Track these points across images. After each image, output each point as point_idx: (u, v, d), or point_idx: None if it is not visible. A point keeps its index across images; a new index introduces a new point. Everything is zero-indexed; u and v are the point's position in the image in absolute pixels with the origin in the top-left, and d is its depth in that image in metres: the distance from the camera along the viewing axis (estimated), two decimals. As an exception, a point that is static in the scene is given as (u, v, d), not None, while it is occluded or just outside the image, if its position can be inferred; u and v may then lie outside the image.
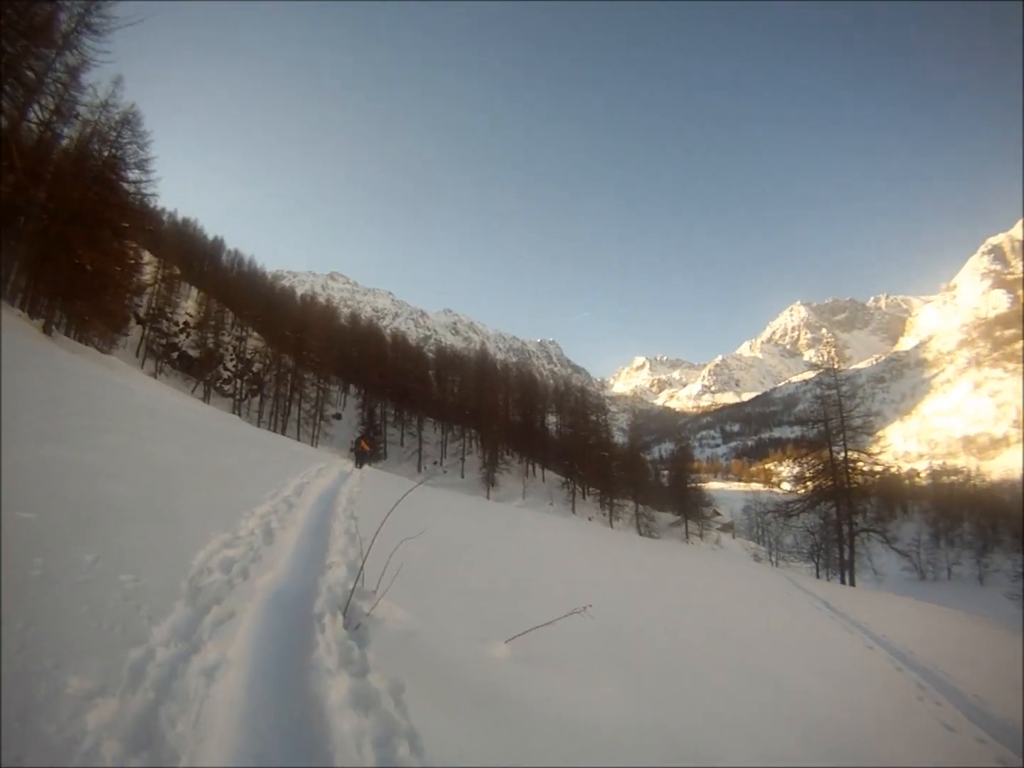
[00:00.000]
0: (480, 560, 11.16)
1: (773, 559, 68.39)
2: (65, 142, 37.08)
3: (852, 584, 39.87)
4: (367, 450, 28.64)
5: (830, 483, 43.35)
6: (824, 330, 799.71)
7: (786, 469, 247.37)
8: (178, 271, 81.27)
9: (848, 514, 42.05)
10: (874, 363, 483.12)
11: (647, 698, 6.30)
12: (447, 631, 6.08)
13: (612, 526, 66.67)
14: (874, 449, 46.97)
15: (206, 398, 69.87)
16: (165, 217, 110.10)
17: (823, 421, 44.36)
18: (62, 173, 34.71)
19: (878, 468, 45.13)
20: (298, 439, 68.58)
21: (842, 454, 42.86)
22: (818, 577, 44.74)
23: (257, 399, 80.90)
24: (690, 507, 76.86)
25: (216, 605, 4.96)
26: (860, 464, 43.06)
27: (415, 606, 6.22)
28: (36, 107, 32.13)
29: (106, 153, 36.54)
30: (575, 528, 26.61)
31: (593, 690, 5.92)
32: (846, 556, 41.51)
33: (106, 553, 5.32)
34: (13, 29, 28.63)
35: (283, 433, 70.63)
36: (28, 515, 5.62)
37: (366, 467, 27.31)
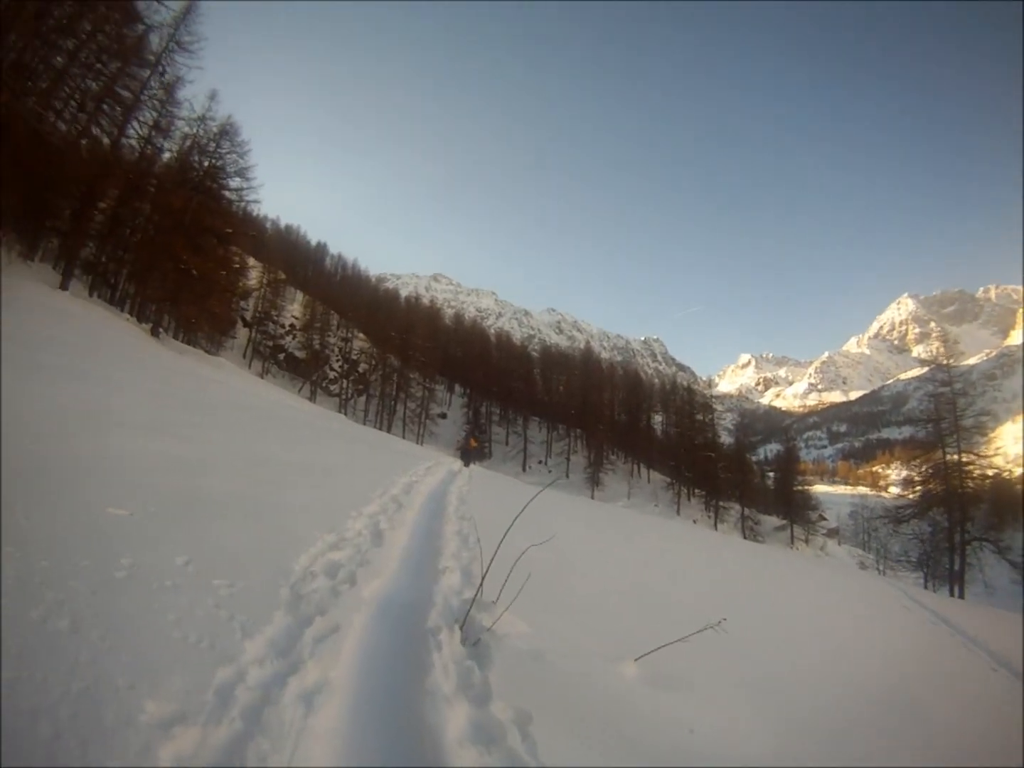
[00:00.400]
0: (600, 568, 10.41)
1: (880, 568, 65.43)
2: (167, 155, 38.86)
3: (961, 596, 37.78)
4: (474, 448, 28.22)
5: (942, 487, 41.21)
6: (933, 324, 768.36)
7: (894, 472, 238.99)
8: (283, 275, 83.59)
9: (960, 521, 39.77)
10: (985, 358, 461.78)
11: (792, 732, 5.51)
12: (574, 648, 5.36)
13: (717, 528, 65.73)
14: (988, 451, 44.09)
15: (312, 398, 71.27)
16: (268, 224, 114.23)
17: (935, 420, 42.29)
18: (164, 185, 36.26)
19: (991, 472, 42.53)
20: (403, 438, 69.15)
21: (955, 456, 40.70)
22: (926, 587, 42.26)
23: (363, 398, 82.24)
24: (796, 511, 74.53)
25: (319, 616, 4.37)
26: (973, 468, 40.72)
27: (537, 619, 5.53)
28: (135, 124, 33.92)
29: (207, 163, 37.75)
30: (686, 533, 25.64)
31: (734, 720, 5.22)
32: (956, 566, 39.42)
33: (200, 554, 4.81)
34: (107, 52, 30.15)
35: (388, 432, 71.44)
36: (120, 511, 5.17)
37: (473, 465, 26.93)
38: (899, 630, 14.33)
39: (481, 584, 5.12)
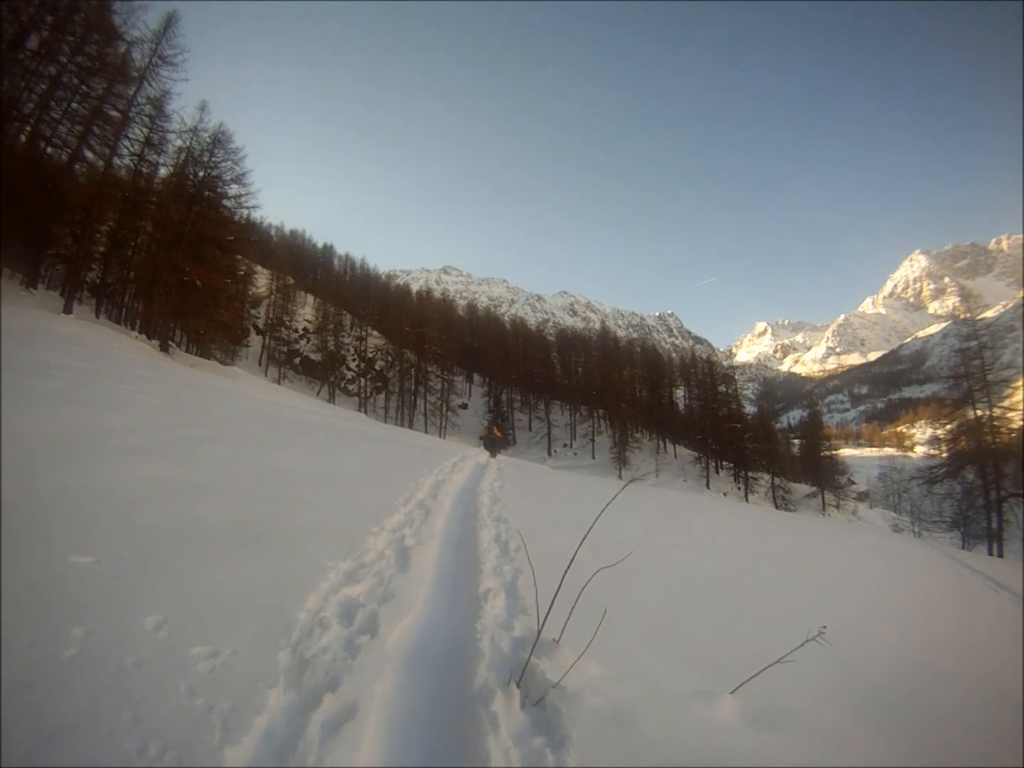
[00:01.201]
0: (657, 566, 9.14)
1: (916, 530, 64.15)
2: (163, 171, 39.34)
3: (1000, 555, 36.82)
4: (499, 437, 27.27)
5: (974, 444, 40.29)
6: (947, 279, 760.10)
7: (919, 431, 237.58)
8: (291, 280, 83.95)
9: (995, 478, 38.84)
10: (1003, 310, 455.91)
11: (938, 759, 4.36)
12: (659, 690, 4.21)
13: (748, 500, 65.11)
14: (1018, 403, 42.49)
15: (331, 399, 71.17)
16: (273, 231, 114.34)
17: (963, 376, 41.25)
18: (162, 199, 36.10)
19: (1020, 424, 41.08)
20: (426, 431, 69.35)
21: (985, 411, 39.76)
22: (964, 547, 41.08)
23: (382, 395, 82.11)
24: (825, 477, 73.93)
25: (330, 693, 3.30)
26: (1004, 422, 39.71)
27: (606, 649, 4.41)
28: (127, 142, 34.47)
29: (202, 174, 37.22)
30: (727, 510, 24.44)
31: (866, 758, 4.09)
32: (995, 524, 38.39)
33: (179, 610, 3.80)
34: (90, 73, 30.35)
35: (410, 426, 71.27)
36: (84, 559, 4.18)
37: (500, 455, 26.04)
38: (972, 607, 13.19)
39: (541, 628, 4.01)
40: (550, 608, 3.95)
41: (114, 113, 32.17)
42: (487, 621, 4.67)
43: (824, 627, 4.61)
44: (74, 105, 30.81)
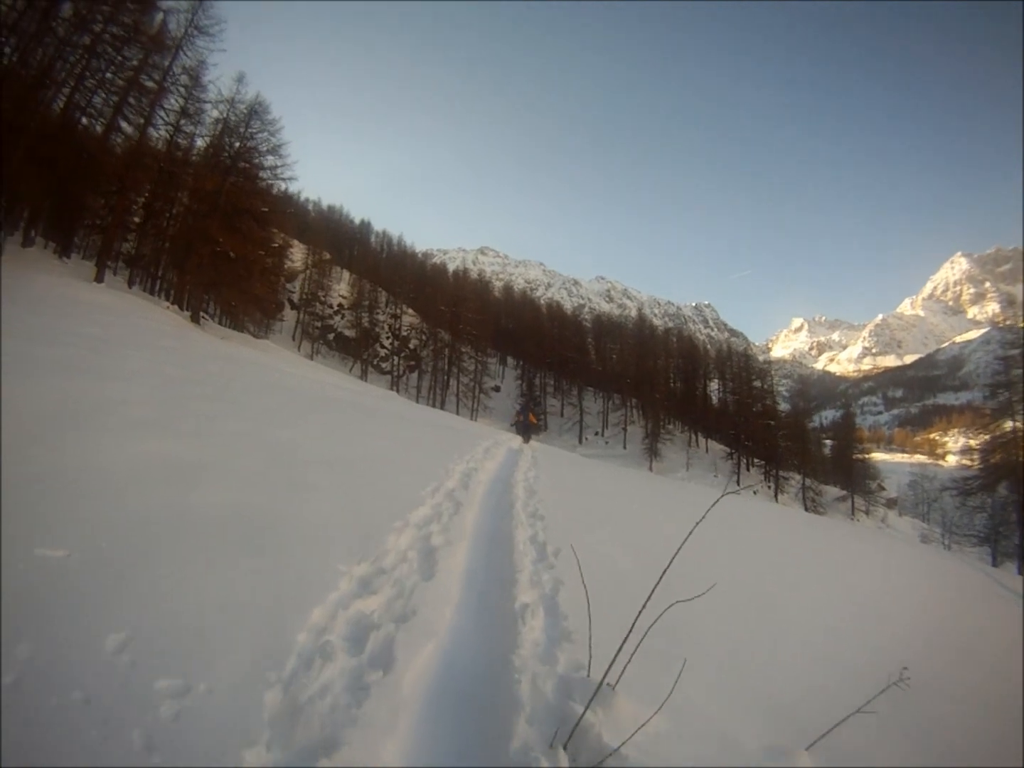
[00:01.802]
0: (703, 580, 8.29)
1: (946, 542, 62.85)
2: (199, 142, 38.62)
3: None
4: (534, 423, 26.51)
5: (1013, 457, 38.95)
6: (988, 283, 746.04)
7: (951, 440, 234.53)
8: (328, 256, 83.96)
9: None
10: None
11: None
12: (731, 747, 3.45)
13: (777, 500, 64.15)
14: None
15: (364, 376, 71.19)
16: (311, 206, 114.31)
17: (1004, 386, 40.16)
18: (198, 170, 35.80)
19: None
20: (457, 413, 68.80)
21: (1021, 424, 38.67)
22: (994, 564, 39.74)
23: (415, 375, 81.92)
24: (856, 480, 72.61)
25: (324, 759, 2.56)
26: None
27: (662, 691, 3.61)
28: (163, 112, 34.02)
29: (238, 145, 36.84)
30: (762, 513, 23.45)
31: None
32: None
33: (148, 627, 3.12)
34: (124, 43, 29.85)
35: (442, 407, 71.05)
36: (54, 552, 3.56)
37: (533, 441, 25.30)
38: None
39: (602, 681, 3.22)
40: (615, 657, 3.19)
41: (150, 84, 31.77)
42: (525, 652, 3.88)
43: (905, 668, 3.86)
44: (109, 75, 30.36)
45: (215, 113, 37.15)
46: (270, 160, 37.83)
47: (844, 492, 73.35)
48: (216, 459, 6.44)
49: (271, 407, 11.81)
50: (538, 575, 5.62)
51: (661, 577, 3.50)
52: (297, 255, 73.52)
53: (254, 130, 36.78)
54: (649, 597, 3.39)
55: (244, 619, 3.41)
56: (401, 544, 5.55)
